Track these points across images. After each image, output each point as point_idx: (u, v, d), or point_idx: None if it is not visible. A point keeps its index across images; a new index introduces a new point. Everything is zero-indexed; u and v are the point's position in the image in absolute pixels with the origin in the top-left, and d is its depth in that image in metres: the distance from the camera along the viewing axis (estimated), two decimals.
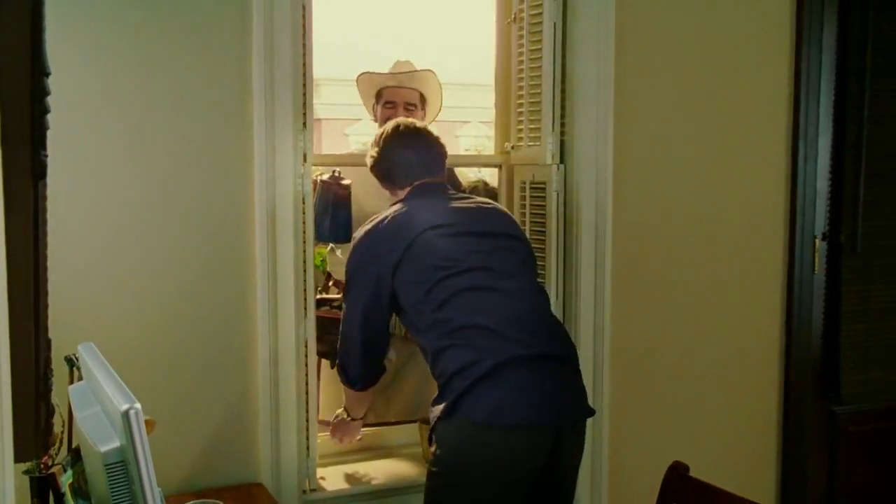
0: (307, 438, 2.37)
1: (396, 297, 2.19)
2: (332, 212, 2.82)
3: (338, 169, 2.86)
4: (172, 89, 2.18)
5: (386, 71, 3.14)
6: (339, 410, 2.52)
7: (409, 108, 3.05)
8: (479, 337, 2.06)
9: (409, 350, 3.02)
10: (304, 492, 2.36)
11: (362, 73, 3.13)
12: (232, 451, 2.30)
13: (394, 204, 2.32)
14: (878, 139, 3.01)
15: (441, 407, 2.05)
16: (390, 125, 2.39)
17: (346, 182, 2.85)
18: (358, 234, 2.28)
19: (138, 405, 1.27)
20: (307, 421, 2.37)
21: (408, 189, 2.33)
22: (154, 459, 1.89)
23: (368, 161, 2.40)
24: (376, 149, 2.37)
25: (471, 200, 2.35)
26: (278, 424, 2.31)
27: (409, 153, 2.33)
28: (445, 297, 2.11)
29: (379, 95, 3.12)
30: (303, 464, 2.36)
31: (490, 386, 2.00)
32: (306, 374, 2.36)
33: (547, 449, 2.05)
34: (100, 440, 1.34)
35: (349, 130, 16.42)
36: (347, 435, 2.52)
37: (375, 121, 3.17)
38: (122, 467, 1.30)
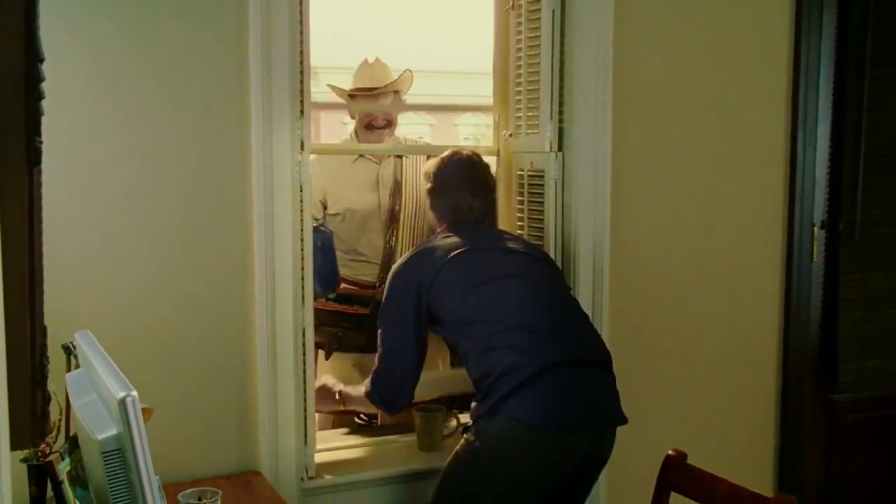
0: (305, 426, 2.36)
1: (432, 309, 2.29)
2: (316, 260, 2.84)
3: (318, 219, 2.93)
4: (168, 75, 2.17)
5: (356, 72, 3.17)
6: (326, 383, 2.60)
7: (386, 118, 3.11)
8: (523, 340, 2.14)
9: None
10: (302, 480, 2.36)
11: (332, 87, 3.21)
12: (230, 439, 2.30)
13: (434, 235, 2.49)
14: (878, 127, 3.00)
15: (484, 405, 2.13)
16: (450, 157, 2.54)
17: (326, 229, 2.91)
18: (395, 265, 2.42)
19: (135, 393, 1.27)
20: (305, 409, 2.36)
21: (447, 223, 2.50)
22: (151, 447, 1.89)
23: (427, 185, 2.56)
24: (431, 183, 2.54)
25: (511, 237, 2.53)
26: (276, 412, 2.30)
27: (466, 197, 2.49)
28: (486, 301, 2.21)
29: (352, 97, 3.16)
30: (301, 452, 2.35)
31: (533, 389, 2.08)
32: (304, 363, 2.35)
33: (581, 452, 2.14)
34: (97, 428, 1.34)
35: (348, 119, 16.39)
36: (327, 405, 2.60)
37: (353, 118, 3.19)
38: (119, 455, 1.30)
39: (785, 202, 2.96)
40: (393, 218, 3.10)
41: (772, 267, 2.98)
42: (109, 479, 1.30)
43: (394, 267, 2.41)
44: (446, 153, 2.56)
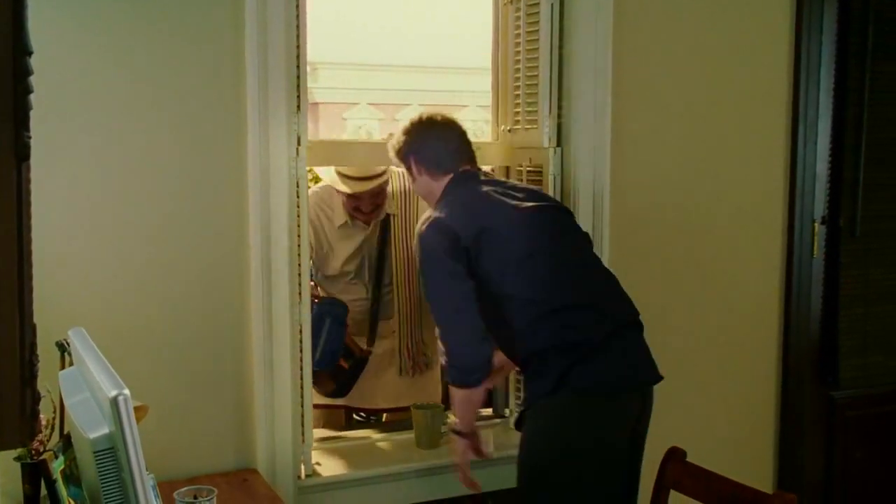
0: (302, 424, 2.35)
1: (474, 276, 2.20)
2: (326, 335, 2.79)
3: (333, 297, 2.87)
4: (163, 69, 2.16)
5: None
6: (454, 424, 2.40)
7: (375, 196, 2.98)
8: (572, 311, 2.17)
9: (391, 341, 3.03)
10: (299, 477, 2.34)
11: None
12: (226, 437, 2.29)
13: (440, 198, 2.32)
14: (879, 122, 2.99)
15: (541, 385, 2.14)
16: (422, 115, 2.43)
17: (340, 300, 2.86)
18: (423, 228, 2.26)
19: (127, 391, 1.26)
20: (302, 406, 2.35)
21: (450, 175, 2.34)
22: (146, 445, 1.88)
23: (396, 147, 2.42)
24: (406, 137, 2.39)
25: (514, 184, 2.42)
26: (273, 410, 2.29)
27: (449, 139, 2.38)
28: (532, 277, 2.18)
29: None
30: (298, 449, 2.34)
31: (592, 359, 2.13)
32: (301, 359, 2.34)
33: (637, 411, 2.21)
34: (89, 427, 1.32)
35: (347, 114, 16.40)
36: (470, 450, 2.36)
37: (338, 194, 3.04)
38: (111, 454, 1.29)
39: (785, 197, 2.94)
40: (378, 276, 3.04)
41: (772, 263, 2.96)
42: (101, 478, 1.29)
43: (428, 228, 2.24)
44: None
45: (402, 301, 3.00)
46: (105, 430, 1.29)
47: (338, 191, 2.98)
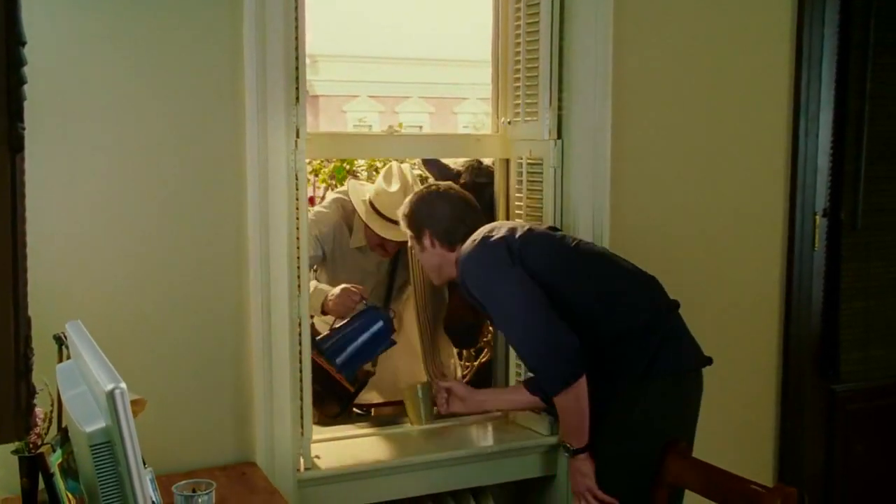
0: (301, 417, 2.34)
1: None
2: (367, 347, 2.72)
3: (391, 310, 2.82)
4: (160, 61, 2.14)
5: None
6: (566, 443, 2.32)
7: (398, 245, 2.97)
8: (638, 293, 2.29)
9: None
10: (298, 470, 2.34)
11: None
12: (225, 430, 2.28)
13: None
14: (881, 114, 2.97)
15: (633, 368, 2.20)
16: (429, 190, 2.53)
17: (387, 311, 2.79)
18: (470, 252, 2.30)
19: (123, 385, 1.25)
20: (301, 399, 2.34)
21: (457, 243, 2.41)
22: (144, 439, 1.87)
23: (407, 222, 2.49)
24: (415, 209, 2.48)
25: None
26: (272, 402, 2.28)
27: (466, 214, 2.47)
28: (585, 266, 2.29)
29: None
30: (297, 443, 2.33)
31: (672, 339, 2.26)
32: (300, 352, 2.33)
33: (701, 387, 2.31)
34: (85, 420, 1.32)
35: (346, 107, 16.43)
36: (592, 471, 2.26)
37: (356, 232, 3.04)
38: (107, 448, 1.28)
39: (786, 190, 2.93)
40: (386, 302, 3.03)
41: (773, 256, 2.95)
42: (98, 473, 1.28)
43: (477, 248, 2.29)
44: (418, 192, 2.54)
45: (423, 326, 2.98)
46: (102, 424, 1.29)
47: (366, 225, 2.95)
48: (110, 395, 1.23)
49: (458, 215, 2.44)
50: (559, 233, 2.44)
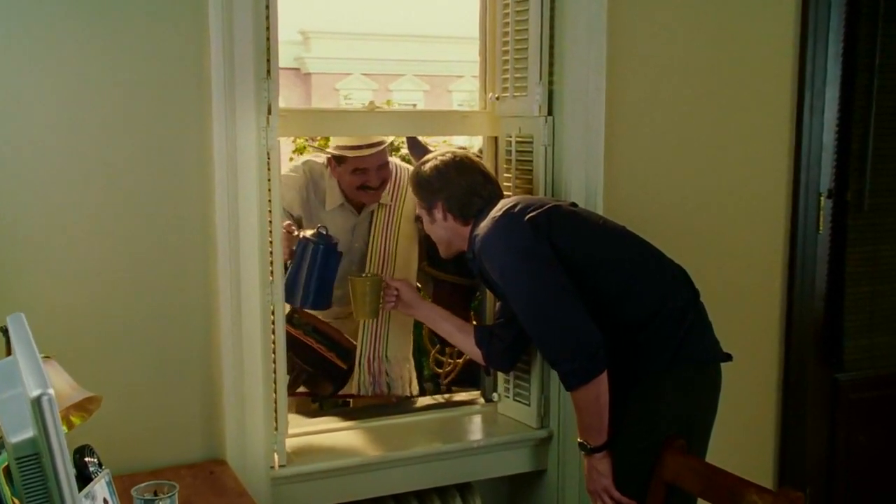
0: (276, 410, 2.23)
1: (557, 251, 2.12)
2: (319, 273, 2.56)
3: (322, 226, 2.62)
4: (116, 31, 2.00)
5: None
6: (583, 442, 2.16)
7: (382, 168, 2.84)
8: (665, 277, 2.19)
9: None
10: (272, 468, 2.22)
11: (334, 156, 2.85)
12: (192, 426, 2.16)
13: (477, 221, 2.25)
14: (890, 90, 2.87)
15: (660, 355, 2.10)
16: (444, 158, 2.35)
17: (335, 239, 2.62)
18: (490, 229, 2.15)
19: (51, 391, 1.12)
20: (276, 392, 2.22)
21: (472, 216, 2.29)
22: (103, 436, 1.74)
23: (418, 191, 2.35)
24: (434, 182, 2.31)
25: None
26: (243, 396, 2.16)
27: (483, 186, 2.31)
28: (615, 242, 2.19)
29: (340, 159, 2.84)
30: (271, 438, 2.21)
31: (694, 328, 2.15)
32: (273, 342, 2.21)
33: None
34: (12, 429, 1.18)
35: (339, 85, 16.28)
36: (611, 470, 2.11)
37: (332, 175, 2.89)
38: (34, 461, 1.14)
39: (790, 170, 2.84)
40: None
41: (775, 238, 2.87)
42: (25, 488, 1.15)
43: (501, 221, 2.14)
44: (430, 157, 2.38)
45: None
46: (29, 434, 1.15)
47: (338, 164, 2.82)
48: (36, 403, 1.10)
49: (475, 188, 2.28)
50: (583, 210, 2.32)
